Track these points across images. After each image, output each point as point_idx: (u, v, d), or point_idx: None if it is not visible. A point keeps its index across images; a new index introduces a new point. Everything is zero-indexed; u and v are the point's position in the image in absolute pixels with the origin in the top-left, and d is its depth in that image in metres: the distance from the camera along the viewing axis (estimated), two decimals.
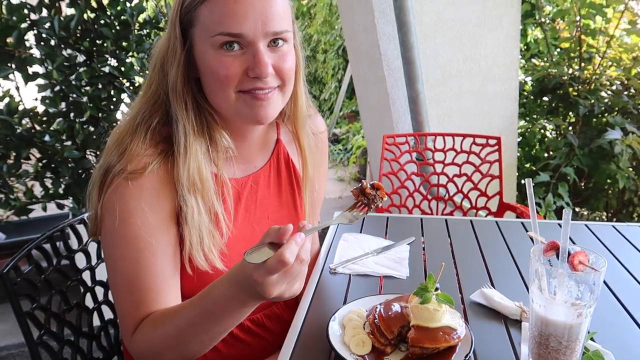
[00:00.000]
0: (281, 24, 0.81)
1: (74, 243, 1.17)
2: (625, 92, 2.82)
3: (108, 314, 1.21)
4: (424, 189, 2.12)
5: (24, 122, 1.79)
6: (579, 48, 2.91)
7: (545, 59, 3.25)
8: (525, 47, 3.46)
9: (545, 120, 3.10)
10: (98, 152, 1.93)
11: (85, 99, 1.82)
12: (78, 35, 1.81)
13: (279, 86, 0.86)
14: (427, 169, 2.18)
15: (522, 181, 2.96)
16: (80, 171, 1.86)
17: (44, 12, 1.75)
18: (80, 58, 1.87)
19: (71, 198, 1.90)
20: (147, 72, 1.90)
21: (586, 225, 1.40)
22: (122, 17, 1.84)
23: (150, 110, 0.87)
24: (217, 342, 0.79)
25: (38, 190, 1.87)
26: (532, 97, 3.13)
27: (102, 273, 1.18)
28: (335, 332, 0.83)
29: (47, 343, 1.00)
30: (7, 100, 1.74)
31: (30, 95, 1.83)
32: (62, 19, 1.73)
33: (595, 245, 1.27)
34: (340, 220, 0.80)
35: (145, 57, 1.92)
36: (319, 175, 1.13)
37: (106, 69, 1.82)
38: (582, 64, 2.94)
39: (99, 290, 1.21)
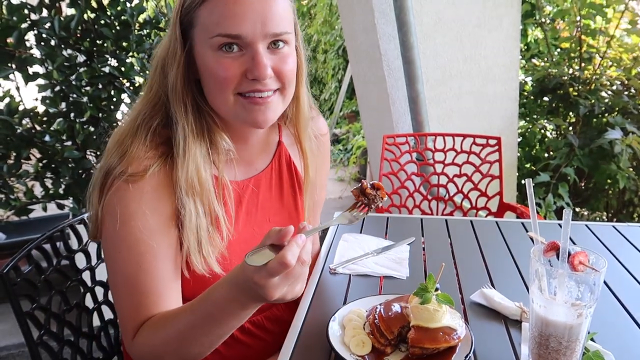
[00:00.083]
0: (281, 25, 0.80)
1: (74, 243, 1.17)
2: (626, 92, 2.82)
3: (108, 314, 1.21)
4: (424, 189, 2.12)
5: (24, 122, 1.80)
6: (579, 48, 2.91)
7: (546, 59, 3.25)
8: (526, 47, 3.46)
9: (546, 121, 3.10)
10: (98, 153, 1.93)
11: (85, 99, 1.82)
12: (78, 35, 1.81)
13: (279, 89, 0.85)
14: (427, 169, 2.18)
15: (522, 181, 2.96)
16: (80, 171, 1.86)
17: (44, 12, 1.75)
18: (81, 58, 1.87)
19: (71, 198, 1.90)
20: (147, 72, 1.91)
21: (586, 225, 1.40)
22: (122, 17, 1.84)
23: (151, 112, 0.86)
24: (218, 344, 0.79)
25: (38, 191, 1.87)
26: (532, 97, 3.13)
27: (102, 273, 1.18)
28: (335, 332, 0.83)
29: (47, 343, 1.00)
30: (7, 100, 1.74)
31: (30, 96, 1.83)
32: (62, 19, 1.73)
33: (596, 245, 1.27)
34: (340, 220, 0.80)
35: (145, 57, 1.92)
36: (320, 177, 1.12)
37: (106, 69, 1.82)
38: (583, 64, 2.94)
39: (99, 291, 1.21)
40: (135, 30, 1.86)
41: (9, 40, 1.66)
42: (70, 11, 1.81)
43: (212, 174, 0.88)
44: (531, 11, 3.21)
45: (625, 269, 1.13)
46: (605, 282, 1.04)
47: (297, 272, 0.67)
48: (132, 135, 0.83)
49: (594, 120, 2.90)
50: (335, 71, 6.26)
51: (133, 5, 1.85)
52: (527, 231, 1.36)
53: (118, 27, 1.85)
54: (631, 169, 2.68)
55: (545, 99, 3.06)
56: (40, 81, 1.73)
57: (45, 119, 1.84)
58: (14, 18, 1.64)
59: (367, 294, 0.97)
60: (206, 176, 0.85)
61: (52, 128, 1.82)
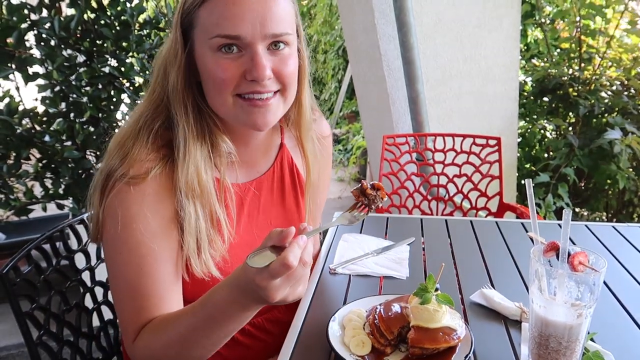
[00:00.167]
0: (281, 26, 0.80)
1: (73, 243, 1.17)
2: (625, 93, 2.82)
3: (107, 314, 1.21)
4: (424, 189, 2.12)
5: (24, 122, 1.79)
6: (578, 48, 2.91)
7: (545, 59, 3.26)
8: (525, 47, 3.46)
9: (545, 121, 3.10)
10: (98, 153, 1.93)
11: (85, 99, 1.82)
12: (78, 35, 1.81)
13: (280, 91, 0.84)
14: (427, 169, 2.18)
15: (522, 182, 2.96)
16: (80, 171, 1.86)
17: (44, 13, 1.75)
18: (81, 58, 1.87)
19: (71, 198, 1.90)
20: (147, 72, 1.91)
21: (586, 225, 1.40)
22: (122, 18, 1.84)
23: (152, 114, 0.86)
24: (220, 346, 0.78)
25: (38, 191, 1.87)
26: (532, 97, 3.13)
27: (101, 273, 1.18)
28: (335, 332, 0.83)
29: (46, 343, 1.00)
30: (7, 100, 1.74)
31: (30, 96, 1.83)
32: (62, 19, 1.73)
33: (595, 245, 1.27)
34: (340, 221, 0.80)
35: (145, 58, 1.92)
36: (322, 179, 1.12)
37: (106, 69, 1.82)
38: (582, 65, 2.94)
39: (99, 291, 1.21)
40: (135, 31, 1.86)
41: (9, 40, 1.66)
42: (70, 11, 1.81)
43: (213, 177, 0.87)
44: (531, 11, 3.21)
45: (625, 269, 1.13)
46: (605, 283, 1.04)
47: (299, 274, 0.67)
48: (134, 138, 0.83)
49: (594, 120, 2.91)
50: (335, 71, 6.26)
51: (133, 5, 1.85)
52: (527, 231, 1.36)
53: (118, 27, 1.85)
54: (631, 169, 2.68)
55: (545, 99, 3.06)
56: (40, 81, 1.73)
57: (45, 119, 1.84)
58: (14, 18, 1.64)
59: (367, 294, 0.97)
60: (207, 178, 0.85)
61: (52, 128, 1.82)
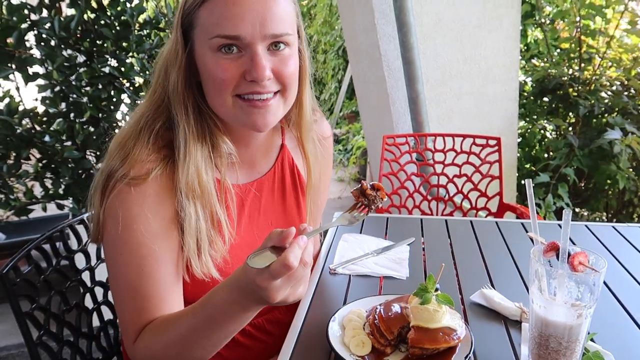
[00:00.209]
0: (281, 26, 0.79)
1: (73, 243, 1.17)
2: (625, 93, 2.82)
3: (107, 314, 1.21)
4: (424, 189, 2.12)
5: (24, 122, 1.80)
6: (578, 49, 2.91)
7: (545, 59, 3.26)
8: (525, 47, 3.46)
9: (545, 121, 3.10)
10: (98, 153, 1.93)
11: (85, 99, 1.82)
12: (78, 35, 1.81)
13: (280, 91, 0.84)
14: (427, 169, 2.18)
15: (522, 182, 2.96)
16: (80, 171, 1.86)
17: (44, 13, 1.75)
18: (81, 58, 1.87)
19: (71, 198, 1.90)
20: (147, 72, 1.91)
21: (586, 226, 1.40)
22: (122, 18, 1.84)
23: (153, 114, 0.86)
24: (220, 347, 0.78)
25: (38, 191, 1.87)
26: (532, 97, 3.13)
27: (101, 273, 1.18)
28: (335, 332, 0.83)
29: (46, 343, 1.00)
30: (7, 100, 1.74)
31: (30, 96, 1.83)
32: (62, 19, 1.73)
33: (595, 246, 1.27)
34: (340, 221, 0.80)
35: (145, 58, 1.92)
36: (323, 180, 1.12)
37: (106, 70, 1.82)
38: (582, 65, 2.94)
39: (99, 291, 1.21)
40: (135, 31, 1.86)
41: (9, 40, 1.66)
42: (70, 11, 1.81)
43: (214, 177, 0.87)
44: (531, 12, 3.21)
45: (625, 269, 1.13)
46: (605, 283, 1.04)
47: (299, 274, 0.67)
48: (135, 138, 0.83)
49: (594, 120, 2.91)
50: (335, 71, 6.26)
51: (133, 5, 1.86)
52: (527, 231, 1.36)
53: (118, 28, 1.86)
54: (631, 170, 2.68)
55: (545, 99, 3.06)
56: (40, 81, 1.73)
57: (45, 119, 1.84)
58: (14, 18, 1.64)
59: (367, 295, 0.97)
60: (207, 179, 0.85)
61: (52, 128, 1.82)
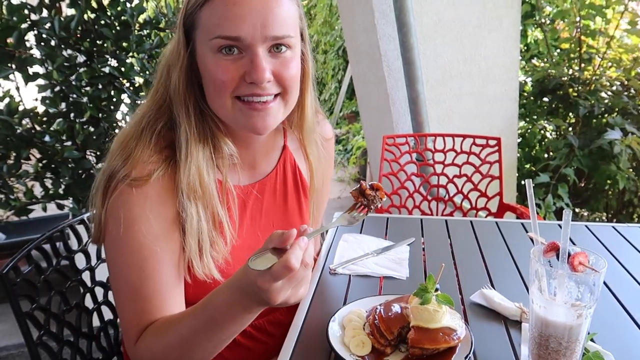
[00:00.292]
0: (283, 28, 0.79)
1: (73, 243, 1.17)
2: (625, 93, 2.82)
3: (108, 314, 1.21)
4: (424, 189, 2.12)
5: (24, 122, 1.80)
6: (578, 49, 2.91)
7: (545, 59, 3.26)
8: (525, 48, 3.47)
9: (545, 121, 3.10)
10: (98, 153, 1.93)
11: (85, 99, 1.82)
12: (78, 35, 1.81)
13: (280, 94, 0.83)
14: (427, 169, 2.18)
15: (522, 182, 2.96)
16: (80, 171, 1.86)
17: (45, 13, 1.75)
18: (81, 58, 1.87)
19: (71, 198, 1.90)
20: (147, 72, 1.91)
21: (586, 226, 1.40)
22: (123, 18, 1.84)
23: (155, 115, 0.85)
24: (221, 349, 0.78)
25: (38, 191, 1.87)
26: (532, 97, 3.13)
27: (101, 274, 1.18)
28: (335, 332, 0.83)
29: (46, 343, 1.00)
30: (7, 100, 1.74)
31: (30, 96, 1.83)
32: (62, 19, 1.74)
33: (595, 246, 1.27)
34: (340, 222, 0.80)
35: (145, 58, 1.92)
36: (324, 182, 1.12)
37: (106, 70, 1.82)
38: (582, 65, 2.94)
39: (99, 291, 1.21)
40: (135, 31, 1.87)
41: (9, 40, 1.66)
42: (70, 11, 1.82)
43: (215, 178, 0.87)
44: (531, 12, 3.21)
45: (625, 269, 1.13)
46: (605, 283, 1.04)
47: (301, 276, 0.67)
48: (137, 138, 0.82)
49: (594, 120, 2.91)
50: (335, 72, 6.27)
51: (133, 5, 1.86)
52: (527, 232, 1.36)
53: (118, 28, 1.86)
54: (631, 170, 2.68)
55: (545, 99, 3.06)
56: (40, 81, 1.73)
57: (45, 119, 1.84)
58: (14, 18, 1.64)
59: (367, 295, 0.97)
60: (209, 180, 0.84)
61: (52, 128, 1.82)
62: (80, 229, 1.17)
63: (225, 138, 0.88)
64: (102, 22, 1.83)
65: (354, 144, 5.01)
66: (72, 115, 1.84)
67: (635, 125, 2.69)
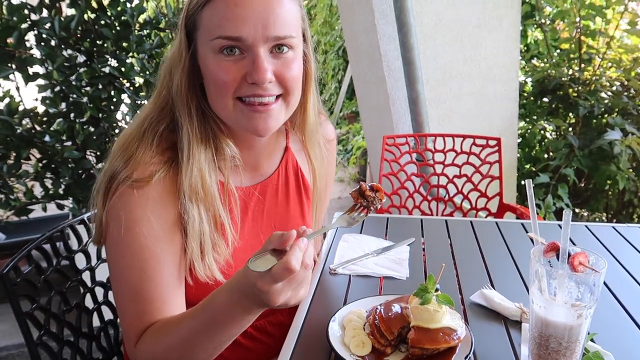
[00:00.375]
0: (285, 29, 0.78)
1: (73, 243, 1.17)
2: (625, 93, 2.83)
3: (108, 314, 1.21)
4: (424, 189, 2.12)
5: (24, 122, 1.80)
6: (578, 49, 2.91)
7: (545, 60, 3.26)
8: (525, 48, 3.47)
9: (545, 121, 3.10)
10: (98, 153, 1.93)
11: (85, 99, 1.82)
12: (78, 35, 1.81)
13: (282, 95, 0.83)
14: (427, 169, 2.18)
15: (522, 182, 2.96)
16: (80, 171, 1.86)
17: (45, 13, 1.75)
18: (81, 58, 1.87)
19: (71, 198, 1.90)
20: (147, 72, 1.91)
21: (586, 226, 1.40)
22: (123, 18, 1.84)
23: (158, 116, 0.85)
24: (222, 350, 0.78)
25: (38, 191, 1.87)
26: (532, 98, 3.13)
27: (101, 274, 1.18)
28: (335, 332, 0.83)
29: (46, 343, 1.00)
30: (7, 100, 1.74)
31: (30, 96, 1.83)
32: (62, 19, 1.74)
33: (596, 246, 1.27)
34: (339, 223, 0.80)
35: (145, 58, 1.92)
36: (327, 182, 1.12)
37: (106, 70, 1.82)
38: (582, 65, 2.94)
39: (99, 291, 1.21)
40: (136, 31, 1.87)
41: (9, 40, 1.66)
42: (71, 11, 1.82)
43: (217, 180, 0.87)
44: (531, 12, 3.21)
45: (625, 269, 1.13)
46: (605, 283, 1.04)
47: (301, 277, 0.66)
48: (139, 140, 0.82)
49: (594, 121, 2.91)
50: (335, 72, 6.27)
51: (133, 5, 1.86)
52: (527, 232, 1.36)
53: (118, 28, 1.86)
54: (631, 170, 2.69)
55: (545, 99, 3.06)
56: (40, 81, 1.74)
57: (45, 119, 1.84)
58: (14, 18, 1.64)
59: (367, 295, 0.97)
60: (211, 182, 0.84)
61: (52, 128, 1.82)
62: (81, 229, 1.17)
63: (227, 139, 0.88)
64: (102, 22, 1.83)
65: (354, 144, 5.01)
66: (72, 115, 1.84)
67: (635, 125, 2.69)
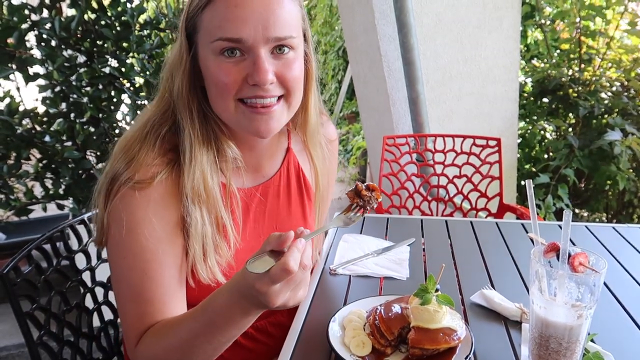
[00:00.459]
0: (285, 29, 0.78)
1: (74, 244, 1.17)
2: (625, 94, 2.83)
3: (108, 314, 1.21)
4: (424, 190, 2.12)
5: (24, 122, 1.80)
6: (578, 49, 2.91)
7: (545, 60, 3.26)
8: (526, 48, 3.47)
9: (545, 122, 3.11)
10: (98, 153, 1.93)
11: (85, 99, 1.82)
12: (79, 35, 1.81)
13: (284, 96, 0.83)
14: (427, 170, 2.18)
15: (522, 182, 2.96)
16: (80, 172, 1.86)
17: (45, 13, 1.75)
18: (81, 59, 1.87)
19: (71, 198, 1.90)
20: (147, 73, 1.91)
21: (586, 226, 1.40)
22: (123, 18, 1.84)
23: (160, 119, 0.85)
24: (222, 351, 0.78)
25: (38, 191, 1.87)
26: (532, 98, 3.14)
27: (102, 274, 1.18)
28: (336, 333, 0.83)
29: (47, 343, 1.00)
30: (7, 100, 1.74)
31: (30, 96, 1.84)
32: (62, 19, 1.74)
33: (596, 246, 1.27)
34: (336, 223, 0.79)
35: (145, 58, 1.93)
36: (328, 182, 1.12)
37: (107, 70, 1.83)
38: (582, 66, 2.94)
39: (99, 291, 1.21)
40: (136, 31, 1.87)
41: (10, 40, 1.66)
42: (71, 12, 1.82)
43: (219, 182, 0.87)
44: (531, 12, 3.22)
45: (625, 270, 1.13)
46: (605, 284, 1.04)
47: (299, 278, 0.66)
48: (140, 142, 0.82)
49: (594, 121, 2.91)
50: (335, 72, 6.27)
51: (133, 5, 1.86)
52: (527, 232, 1.36)
53: (118, 28, 1.86)
54: (631, 170, 2.69)
55: (545, 100, 3.06)
56: (41, 81, 1.74)
57: (45, 119, 1.84)
58: (15, 18, 1.64)
59: (367, 295, 0.97)
60: (213, 184, 0.84)
61: (52, 128, 1.82)
62: (81, 229, 1.17)
63: (229, 141, 0.88)
64: (103, 22, 1.83)
65: (354, 144, 5.01)
66: (72, 115, 1.85)
67: (635, 126, 2.69)
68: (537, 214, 0.89)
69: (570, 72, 2.97)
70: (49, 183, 1.86)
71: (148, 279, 0.80)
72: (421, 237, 1.33)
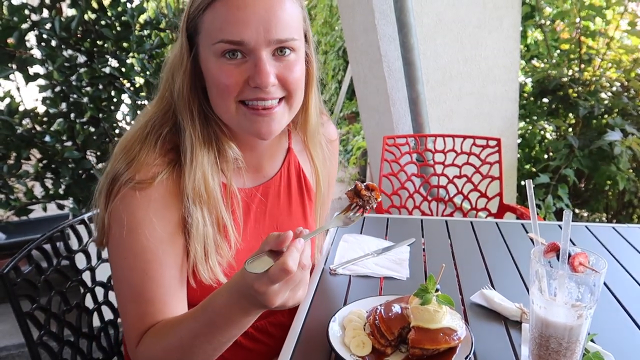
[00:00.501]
0: (287, 31, 0.78)
1: (74, 243, 1.17)
2: (625, 94, 2.83)
3: (108, 314, 1.21)
4: (424, 190, 2.12)
5: (24, 122, 1.80)
6: (578, 49, 2.91)
7: (545, 60, 3.26)
8: (526, 48, 3.47)
9: (545, 122, 3.11)
10: (98, 153, 1.93)
11: (85, 99, 1.83)
12: (79, 35, 1.81)
13: (285, 98, 0.83)
14: (427, 170, 2.18)
15: (522, 182, 2.97)
16: (80, 172, 1.86)
17: (45, 13, 1.75)
18: (81, 59, 1.87)
19: (71, 198, 1.90)
20: (147, 73, 1.91)
21: (586, 226, 1.40)
22: (123, 18, 1.84)
23: (161, 120, 0.85)
24: (222, 351, 0.78)
25: (38, 191, 1.87)
26: (532, 98, 3.14)
27: (102, 274, 1.18)
28: (336, 333, 0.83)
29: (47, 343, 1.00)
30: (7, 100, 1.75)
31: (30, 96, 1.84)
32: (62, 19, 1.74)
33: (596, 246, 1.27)
34: (335, 223, 0.79)
35: (145, 58, 1.93)
36: (329, 182, 1.12)
37: (107, 70, 1.83)
38: (582, 66, 2.94)
39: (99, 291, 1.21)
40: (136, 31, 1.87)
41: (10, 40, 1.66)
42: (71, 12, 1.82)
43: (220, 182, 0.87)
44: (531, 12, 3.22)
45: (625, 270, 1.13)
46: (605, 284, 1.04)
47: (298, 278, 0.66)
48: (141, 142, 0.82)
49: (594, 121, 2.91)
50: (335, 72, 6.27)
51: (133, 6, 1.86)
52: (527, 232, 1.36)
53: (118, 28, 1.86)
54: (631, 171, 2.69)
55: (545, 100, 3.07)
56: (41, 81, 1.74)
57: (45, 119, 1.84)
58: (15, 18, 1.65)
59: (367, 295, 0.97)
60: (214, 184, 0.84)
61: (52, 128, 1.82)
62: (81, 229, 1.17)
63: (230, 142, 0.88)
64: (103, 22, 1.83)
65: (354, 144, 5.01)
66: (72, 115, 1.85)
67: (635, 126, 2.69)
68: (537, 214, 0.89)
69: (570, 72, 2.97)
70: (49, 183, 1.86)
71: (149, 279, 0.80)
72: (421, 237, 1.33)
